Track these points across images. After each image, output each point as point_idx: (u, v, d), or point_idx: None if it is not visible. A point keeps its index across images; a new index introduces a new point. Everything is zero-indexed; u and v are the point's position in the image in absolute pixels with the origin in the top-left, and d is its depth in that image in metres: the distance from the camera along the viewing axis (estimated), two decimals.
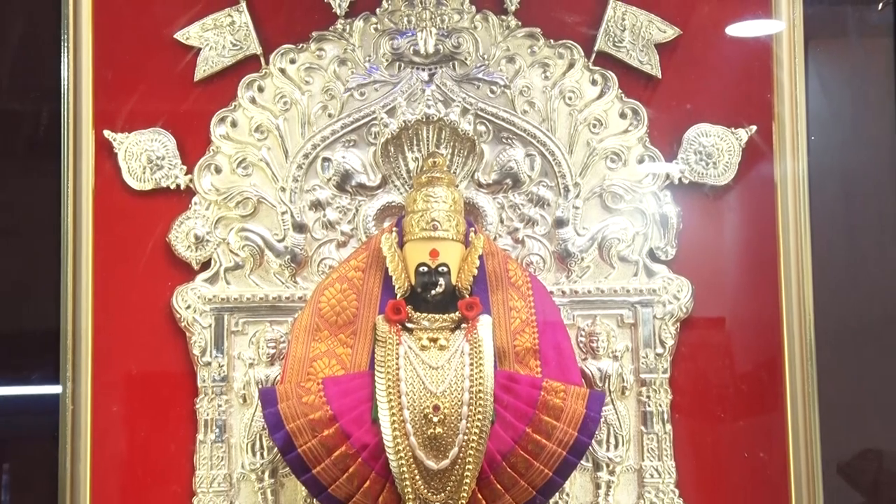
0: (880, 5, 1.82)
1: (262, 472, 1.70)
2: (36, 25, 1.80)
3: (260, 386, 1.70)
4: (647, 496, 1.73)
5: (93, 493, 1.68)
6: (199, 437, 1.71)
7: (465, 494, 1.53)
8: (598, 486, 1.73)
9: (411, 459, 1.52)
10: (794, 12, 1.78)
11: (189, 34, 1.76)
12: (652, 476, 1.73)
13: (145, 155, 1.74)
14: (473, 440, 1.52)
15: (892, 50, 1.81)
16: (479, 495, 1.54)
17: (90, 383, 1.70)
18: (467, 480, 1.52)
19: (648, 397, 1.75)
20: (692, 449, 1.75)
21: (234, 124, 1.75)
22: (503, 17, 1.77)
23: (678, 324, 1.76)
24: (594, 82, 1.77)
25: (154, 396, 1.73)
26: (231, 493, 1.71)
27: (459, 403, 1.53)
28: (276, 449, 1.59)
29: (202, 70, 1.76)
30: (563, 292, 1.74)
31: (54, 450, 1.67)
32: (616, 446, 1.73)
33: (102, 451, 1.69)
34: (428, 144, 1.77)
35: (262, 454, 1.70)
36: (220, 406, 1.71)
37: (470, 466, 1.51)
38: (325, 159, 1.76)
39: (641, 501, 1.73)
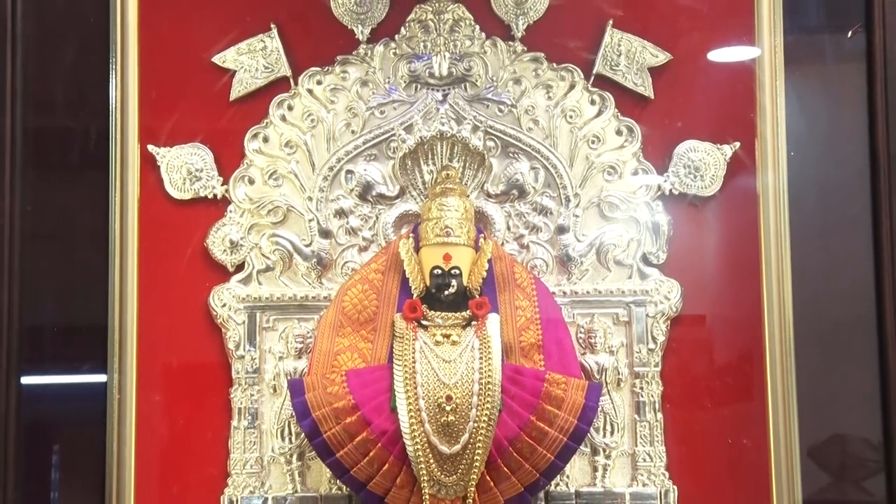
0: (850, 33, 1.83)
1: (291, 456, 1.71)
2: (87, 51, 1.79)
3: (288, 377, 1.71)
4: (640, 478, 1.74)
5: (137, 473, 1.70)
6: (234, 423, 1.72)
7: (474, 476, 1.54)
8: (595, 469, 1.74)
9: (426, 445, 1.54)
10: (775, 39, 1.79)
11: (225, 58, 1.79)
12: (644, 460, 1.74)
13: (185, 167, 1.76)
14: (482, 427, 1.54)
15: (865, 74, 1.79)
16: (488, 477, 1.56)
17: (135, 374, 1.71)
18: (477, 464, 1.54)
19: (641, 388, 1.75)
20: (681, 435, 1.75)
21: (265, 140, 1.77)
22: (510, 42, 1.80)
23: (668, 322, 1.77)
24: (593, 102, 1.79)
25: (192, 386, 1.75)
26: (262, 474, 1.72)
27: (470, 394, 1.56)
28: (303, 435, 1.62)
29: (237, 90, 1.78)
30: (564, 293, 1.76)
31: (102, 434, 1.69)
32: (612, 433, 1.74)
33: (145, 436, 1.71)
34: (442, 158, 1.79)
35: (290, 439, 1.71)
36: (252, 395, 1.73)
37: (479, 451, 1.53)
38: (349, 172, 1.78)
39: (634, 483, 1.74)
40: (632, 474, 1.75)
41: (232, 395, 1.73)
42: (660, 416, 1.75)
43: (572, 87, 1.80)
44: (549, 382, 1.59)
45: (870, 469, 1.76)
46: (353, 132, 1.78)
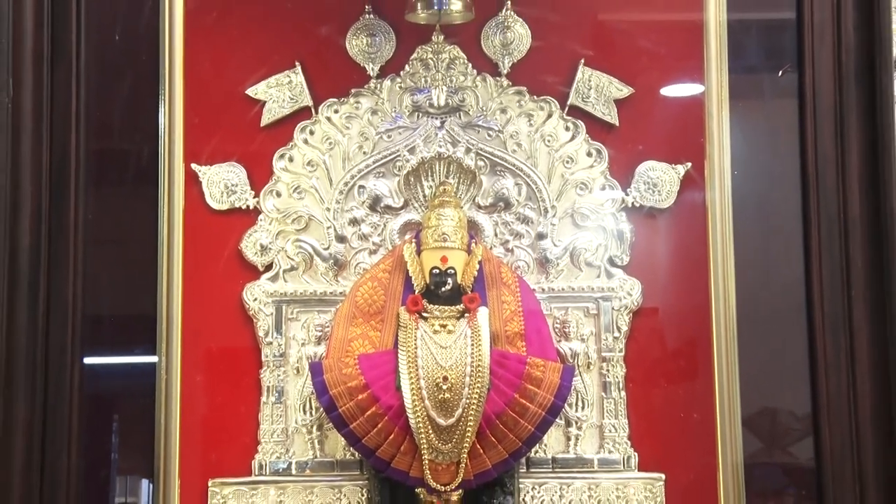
0: (780, 73, 1.87)
1: (311, 427, 1.74)
2: (140, 84, 1.81)
3: (309, 360, 1.72)
4: (606, 446, 1.77)
5: (181, 441, 1.71)
6: (263, 399, 1.75)
7: (466, 445, 1.58)
8: (568, 439, 1.77)
9: (426, 418, 1.57)
10: (721, 77, 1.82)
11: (257, 90, 1.82)
12: (610, 431, 1.77)
13: (223, 182, 1.80)
14: (474, 403, 1.58)
15: (797, 106, 1.83)
16: (478, 445, 1.59)
17: (179, 357, 1.73)
18: (469, 434, 1.58)
19: (608, 371, 1.78)
20: (641, 410, 1.78)
21: (291, 159, 1.81)
22: (497, 78, 1.83)
23: (630, 314, 1.80)
24: (567, 129, 1.83)
25: (228, 368, 1.77)
26: (287, 443, 1.74)
27: (463, 375, 1.59)
28: (321, 409, 1.66)
29: (266, 118, 1.82)
30: (543, 289, 1.79)
31: (151, 407, 1.71)
32: (583, 408, 1.76)
33: (188, 409, 1.73)
34: (440, 175, 1.82)
35: (310, 413, 1.74)
36: (279, 376, 1.76)
37: (471, 423, 1.58)
38: (361, 186, 1.81)
39: (602, 450, 1.77)
40: (599, 443, 1.77)
41: (262, 376, 1.76)
42: (623, 393, 1.78)
43: (550, 115, 1.83)
44: (529, 365, 1.63)
45: (795, 436, 1.81)
46: (364, 153, 1.81)
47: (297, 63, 1.83)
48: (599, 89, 1.85)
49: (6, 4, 1.69)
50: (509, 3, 1.84)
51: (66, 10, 1.75)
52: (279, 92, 1.83)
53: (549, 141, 1.84)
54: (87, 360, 1.75)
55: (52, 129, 1.72)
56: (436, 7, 1.75)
